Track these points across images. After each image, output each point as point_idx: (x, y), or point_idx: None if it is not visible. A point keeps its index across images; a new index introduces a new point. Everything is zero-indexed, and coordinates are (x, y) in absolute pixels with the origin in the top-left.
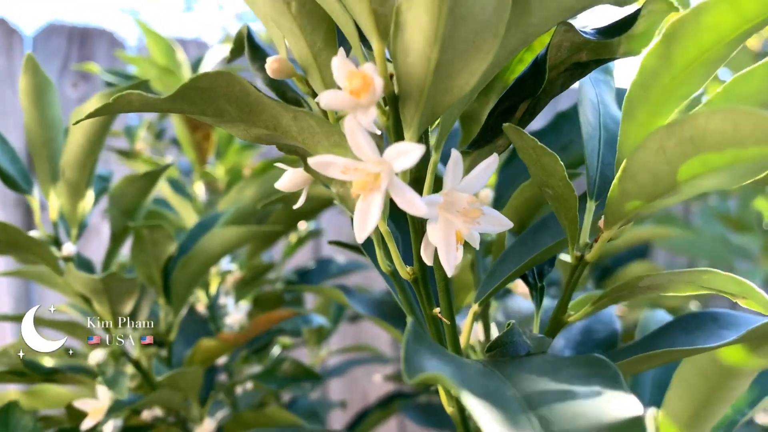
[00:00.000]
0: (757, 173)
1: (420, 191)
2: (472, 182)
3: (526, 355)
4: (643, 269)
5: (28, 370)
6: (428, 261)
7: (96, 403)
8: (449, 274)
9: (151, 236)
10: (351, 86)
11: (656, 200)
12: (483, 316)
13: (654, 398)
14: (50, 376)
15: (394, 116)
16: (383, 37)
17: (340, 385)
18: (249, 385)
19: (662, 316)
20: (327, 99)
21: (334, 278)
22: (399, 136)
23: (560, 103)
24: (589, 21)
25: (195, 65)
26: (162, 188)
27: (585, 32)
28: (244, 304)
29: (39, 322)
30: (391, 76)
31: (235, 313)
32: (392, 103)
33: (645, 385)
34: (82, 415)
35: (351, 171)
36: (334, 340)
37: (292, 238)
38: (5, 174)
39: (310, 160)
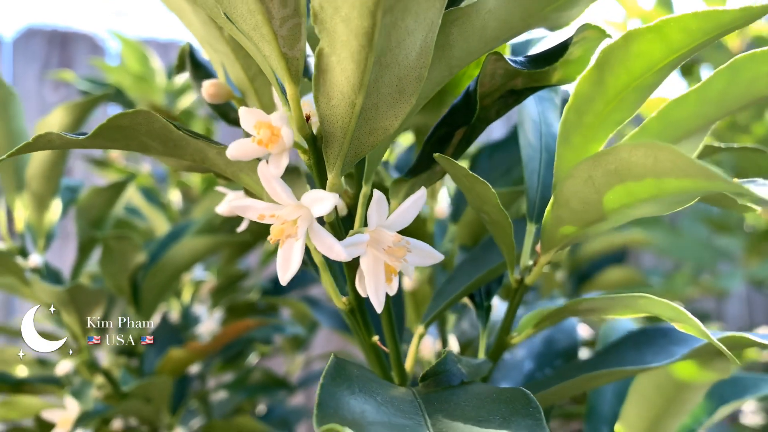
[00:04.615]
0: (684, 203)
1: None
2: (400, 218)
3: (461, 384)
4: (621, 274)
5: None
6: (362, 293)
7: (64, 413)
8: (378, 309)
9: (118, 246)
10: (259, 136)
11: (589, 227)
12: (440, 331)
13: (613, 410)
14: (18, 386)
15: (316, 157)
16: (296, 82)
17: None
18: (224, 393)
19: (624, 326)
20: (233, 151)
21: (313, 285)
22: (322, 176)
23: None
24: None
25: (170, 71)
26: (134, 197)
27: (514, 61)
28: (217, 313)
29: (15, 333)
30: (308, 117)
31: (208, 322)
32: (312, 144)
33: (605, 396)
34: (52, 426)
35: (267, 218)
36: (318, 344)
37: (269, 246)
38: None
39: (230, 203)
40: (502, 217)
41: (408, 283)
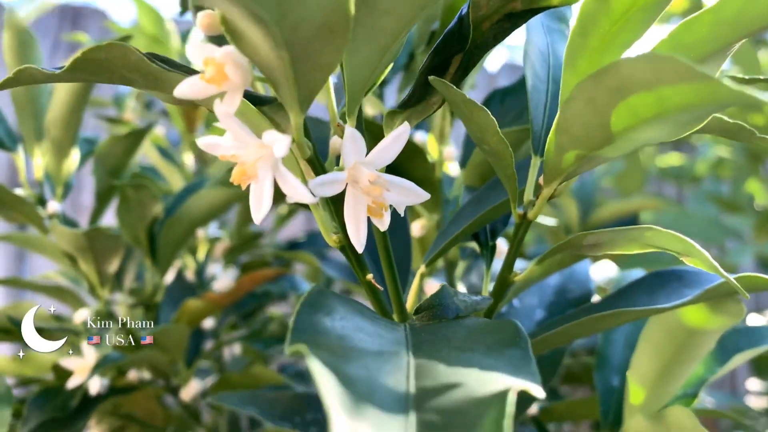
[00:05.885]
0: (689, 124)
1: None
2: (381, 155)
3: (455, 318)
4: None
5: (14, 327)
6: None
7: (81, 361)
8: (359, 249)
9: (136, 196)
10: (208, 73)
11: (592, 153)
12: (448, 276)
13: (625, 358)
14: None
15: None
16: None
17: None
18: (237, 350)
19: (638, 275)
20: (182, 89)
21: (329, 248)
22: (284, 117)
23: None
24: None
25: (184, 36)
26: (150, 155)
27: None
28: (232, 270)
29: (29, 287)
30: None
31: (223, 279)
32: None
33: (616, 345)
34: (69, 375)
35: (230, 157)
36: None
37: (283, 209)
38: None
39: (198, 142)
40: (502, 146)
41: (417, 230)
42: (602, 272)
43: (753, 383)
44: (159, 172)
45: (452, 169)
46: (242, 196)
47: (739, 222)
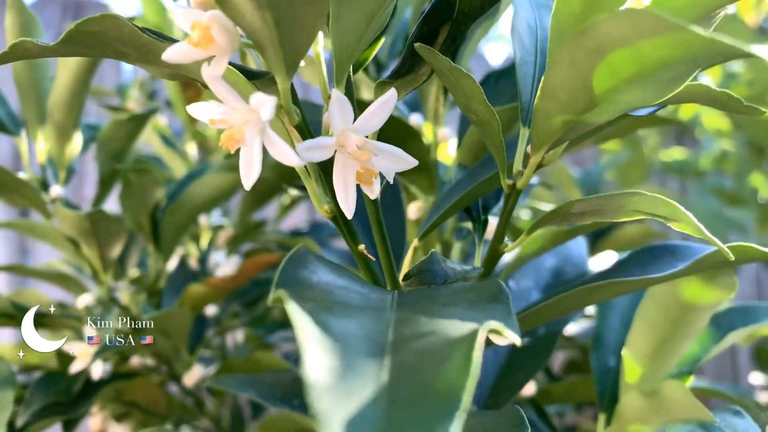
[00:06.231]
0: (671, 83)
1: None
2: (368, 121)
3: (443, 283)
4: (639, 229)
5: (17, 312)
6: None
7: (84, 345)
8: (348, 215)
9: (139, 181)
10: (195, 37)
11: (578, 118)
12: (444, 255)
13: (620, 338)
14: (39, 319)
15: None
16: None
17: None
18: (239, 338)
19: None
20: (171, 53)
21: (331, 238)
22: (273, 81)
23: None
24: None
25: None
26: (152, 142)
27: None
28: (235, 258)
29: (32, 274)
30: None
31: (226, 266)
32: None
33: (612, 325)
34: (71, 361)
35: (218, 122)
36: None
37: (285, 199)
38: None
39: (188, 108)
40: (489, 114)
41: (413, 212)
42: (602, 265)
43: (756, 377)
44: (162, 161)
45: (449, 150)
46: None
47: (743, 215)
